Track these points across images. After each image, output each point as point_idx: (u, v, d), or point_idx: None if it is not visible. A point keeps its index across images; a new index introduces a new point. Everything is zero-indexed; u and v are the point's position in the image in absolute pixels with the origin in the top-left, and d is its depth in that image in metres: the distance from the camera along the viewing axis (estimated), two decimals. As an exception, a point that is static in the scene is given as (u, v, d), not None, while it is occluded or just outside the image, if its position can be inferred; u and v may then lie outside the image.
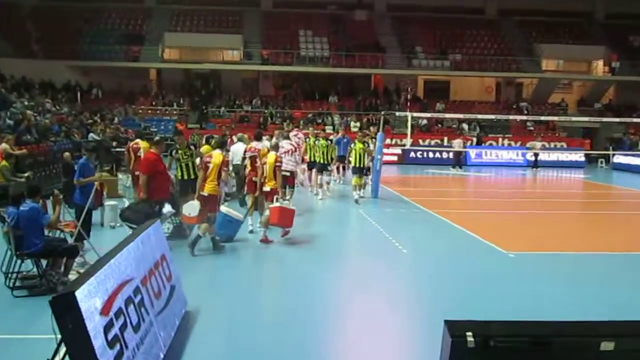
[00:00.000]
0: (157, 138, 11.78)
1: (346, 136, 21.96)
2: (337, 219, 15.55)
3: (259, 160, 14.25)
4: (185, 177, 12.81)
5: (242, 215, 12.61)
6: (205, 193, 11.23)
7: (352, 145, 17.85)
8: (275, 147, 13.18)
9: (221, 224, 11.93)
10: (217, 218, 11.69)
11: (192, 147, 13.02)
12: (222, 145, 12.24)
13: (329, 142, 18.95)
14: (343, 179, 22.10)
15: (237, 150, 16.40)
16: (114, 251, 5.92)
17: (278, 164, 12.42)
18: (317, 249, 11.98)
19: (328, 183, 18.84)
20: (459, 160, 31.25)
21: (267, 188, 12.38)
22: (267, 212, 12.22)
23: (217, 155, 11.45)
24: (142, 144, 15.35)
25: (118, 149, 16.28)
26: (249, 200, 14.07)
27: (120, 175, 15.96)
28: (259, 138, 15.20)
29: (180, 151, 12.81)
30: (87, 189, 10.25)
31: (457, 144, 31.31)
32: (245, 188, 14.37)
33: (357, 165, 17.68)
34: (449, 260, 11.32)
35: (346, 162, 20.85)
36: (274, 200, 12.16)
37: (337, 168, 21.47)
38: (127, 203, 13.20)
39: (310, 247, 12.19)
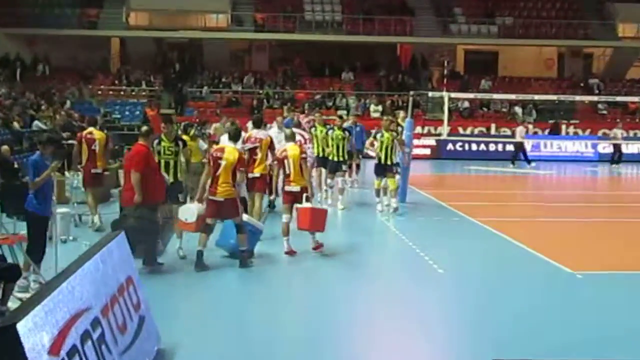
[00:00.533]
0: (146, 128, 12.02)
1: (359, 124, 21.97)
2: (354, 232, 15.63)
3: (259, 152, 14.37)
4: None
5: (262, 224, 13.02)
6: (220, 198, 11.56)
7: (379, 136, 17.16)
8: (292, 137, 13.61)
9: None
10: (232, 226, 12.01)
11: (180, 141, 13.11)
12: (237, 136, 12.59)
13: (346, 132, 18.35)
14: (357, 180, 21.99)
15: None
16: (66, 272, 5.88)
17: (304, 156, 13.00)
18: (331, 271, 12.10)
19: (342, 188, 18.24)
20: (517, 155, 30.94)
21: (294, 188, 12.75)
22: (284, 217, 12.75)
23: (231, 151, 11.77)
24: (98, 134, 15.67)
25: (70, 142, 16.45)
26: (255, 201, 14.52)
27: (67, 174, 16.08)
28: (259, 124, 15.36)
29: (163, 144, 12.73)
30: (45, 192, 10.30)
31: (520, 132, 30.97)
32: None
33: (386, 162, 17.15)
34: (497, 283, 11.38)
35: (359, 158, 20.85)
36: (304, 200, 12.64)
37: (350, 167, 21.30)
38: (74, 208, 13.25)
39: (321, 267, 12.30)
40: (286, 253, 12.64)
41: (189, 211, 11.66)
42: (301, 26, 40.85)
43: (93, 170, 15.27)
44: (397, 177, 17.75)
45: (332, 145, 17.94)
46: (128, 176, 11.32)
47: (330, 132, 18.15)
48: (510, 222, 16.48)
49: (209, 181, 11.82)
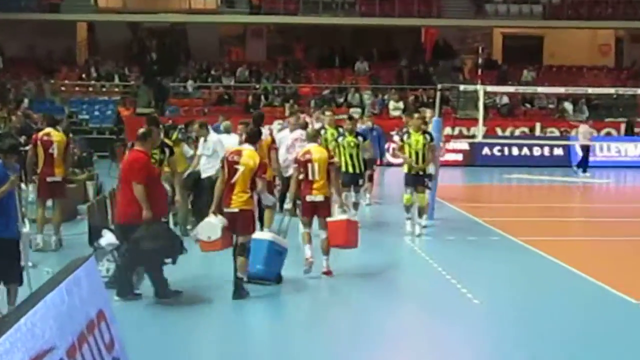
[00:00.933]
0: (143, 130, 12.14)
1: (377, 126, 21.84)
2: (373, 255, 15.40)
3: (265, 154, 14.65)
4: None
5: (286, 241, 13.18)
6: (234, 209, 11.70)
7: (406, 138, 16.81)
8: (315, 137, 13.92)
9: (267, 256, 12.51)
10: (257, 247, 12.17)
11: (166, 148, 13.09)
12: (256, 138, 12.72)
13: (360, 138, 17.73)
14: (370, 194, 21.50)
15: (223, 144, 16.51)
16: (25, 306, 5.74)
17: (332, 160, 13.36)
18: (348, 303, 12.23)
19: (357, 202, 17.92)
20: (587, 160, 30.76)
21: (317, 197, 13.06)
22: (305, 229, 13.17)
23: (250, 155, 11.93)
24: (56, 135, 15.68)
25: (28, 147, 16.51)
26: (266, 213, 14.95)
27: (23, 187, 16.20)
28: (260, 122, 15.41)
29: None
30: (8, 209, 10.32)
31: (584, 132, 30.79)
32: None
33: (417, 172, 16.84)
34: (544, 316, 11.27)
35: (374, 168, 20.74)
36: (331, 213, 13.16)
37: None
38: (27, 227, 13.38)
39: (336, 298, 12.51)
40: (324, 273, 13.10)
41: (212, 227, 11.69)
42: (305, 7, 40.80)
43: (50, 179, 15.24)
44: (428, 192, 17.52)
45: (344, 154, 17.35)
46: (126, 189, 11.48)
47: (340, 139, 17.66)
48: (559, 241, 16.44)
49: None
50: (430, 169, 17.49)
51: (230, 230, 11.84)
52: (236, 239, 11.86)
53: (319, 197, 12.96)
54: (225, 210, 11.73)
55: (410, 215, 17.17)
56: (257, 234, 12.55)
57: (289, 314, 12.00)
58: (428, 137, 16.97)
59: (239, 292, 11.72)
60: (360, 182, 18.15)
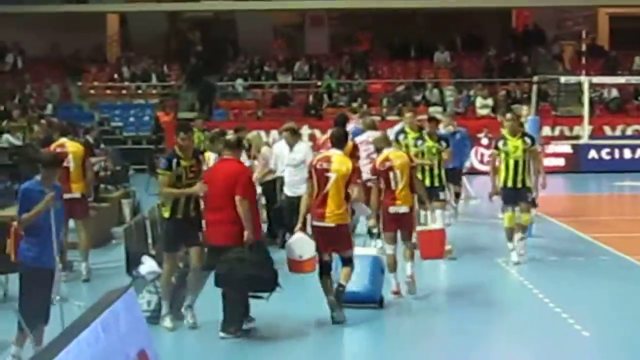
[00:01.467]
0: (232, 136, 12.87)
1: (460, 129, 21.65)
2: (461, 280, 15.59)
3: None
4: (182, 213, 12.45)
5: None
6: (330, 224, 12.12)
7: (502, 145, 16.41)
8: (387, 141, 14.66)
9: (372, 274, 13.09)
10: (363, 264, 12.77)
11: (200, 156, 13.28)
12: (343, 141, 13.24)
13: (442, 143, 17.47)
14: (456, 210, 21.31)
15: (282, 152, 17.14)
16: (54, 347, 5.89)
17: (414, 164, 14.09)
18: (438, 332, 12.54)
19: (446, 224, 17.73)
20: None
21: (401, 209, 13.60)
22: (389, 249, 13.64)
23: (341, 160, 12.40)
24: (71, 146, 16.11)
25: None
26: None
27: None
28: (342, 123, 16.26)
29: (183, 163, 12.63)
30: (44, 232, 10.46)
31: None
32: None
33: (516, 184, 16.36)
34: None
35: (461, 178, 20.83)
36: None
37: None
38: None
39: (425, 329, 12.72)
40: (394, 293, 13.58)
41: (304, 244, 12.10)
42: (374, -11, 41.00)
43: (67, 196, 15.32)
44: (534, 210, 17.50)
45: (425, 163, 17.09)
46: (226, 205, 11.76)
47: (419, 143, 17.34)
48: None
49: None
50: (531, 181, 17.02)
51: (323, 248, 12.24)
52: (323, 256, 12.35)
53: (404, 209, 13.47)
54: (317, 224, 12.13)
55: (513, 243, 16.61)
56: (360, 250, 13.16)
57: (394, 342, 12.28)
58: (529, 140, 16.61)
59: (338, 312, 12.19)
60: (443, 196, 17.86)
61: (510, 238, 16.54)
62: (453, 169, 19.64)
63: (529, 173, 16.54)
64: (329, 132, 15.02)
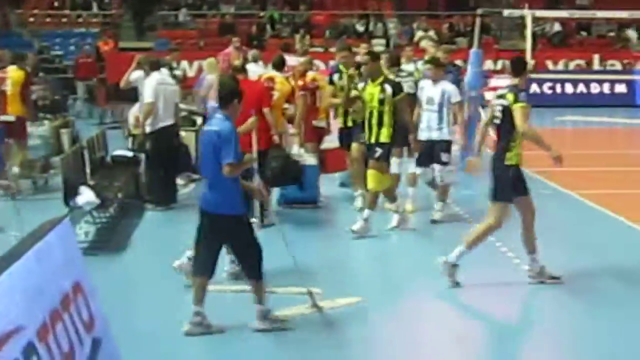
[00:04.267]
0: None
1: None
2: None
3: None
4: None
5: None
6: None
7: (361, 89, 14.25)
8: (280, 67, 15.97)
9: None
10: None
11: None
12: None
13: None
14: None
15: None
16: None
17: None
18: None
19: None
20: None
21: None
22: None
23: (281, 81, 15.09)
24: (12, 71, 16.78)
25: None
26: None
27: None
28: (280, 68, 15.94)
29: None
30: None
31: None
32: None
33: (370, 139, 14.19)
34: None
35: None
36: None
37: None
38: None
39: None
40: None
41: None
42: None
43: (2, 118, 16.31)
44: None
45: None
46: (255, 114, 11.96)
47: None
48: (620, 195, 16.60)
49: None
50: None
51: None
52: None
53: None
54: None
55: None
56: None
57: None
58: (389, 89, 14.02)
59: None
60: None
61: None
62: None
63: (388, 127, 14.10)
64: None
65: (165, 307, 10.44)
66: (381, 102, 13.86)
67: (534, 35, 26.19)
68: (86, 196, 12.48)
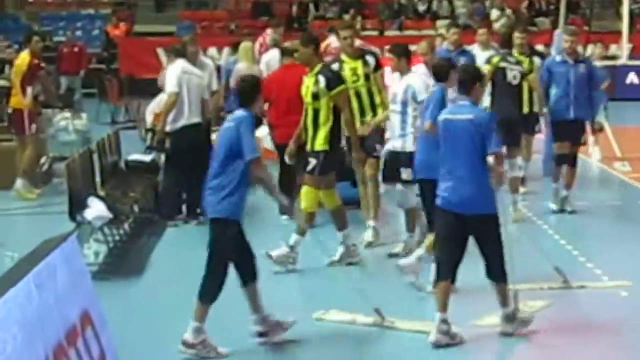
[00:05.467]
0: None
1: (465, 48, 18.37)
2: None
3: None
4: None
5: None
6: None
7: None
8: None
9: None
10: None
11: None
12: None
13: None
14: None
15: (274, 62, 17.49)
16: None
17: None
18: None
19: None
20: None
21: None
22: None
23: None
24: (18, 59, 17.19)
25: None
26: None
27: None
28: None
29: None
30: None
31: None
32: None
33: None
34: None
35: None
36: None
37: None
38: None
39: None
40: None
41: None
42: None
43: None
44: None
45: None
46: (295, 103, 13.11)
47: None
48: None
49: None
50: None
51: None
52: None
53: None
54: None
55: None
56: None
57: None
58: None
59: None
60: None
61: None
62: None
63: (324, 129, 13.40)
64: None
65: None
66: (315, 96, 12.71)
67: (631, 14, 25.00)
68: (96, 209, 12.21)
